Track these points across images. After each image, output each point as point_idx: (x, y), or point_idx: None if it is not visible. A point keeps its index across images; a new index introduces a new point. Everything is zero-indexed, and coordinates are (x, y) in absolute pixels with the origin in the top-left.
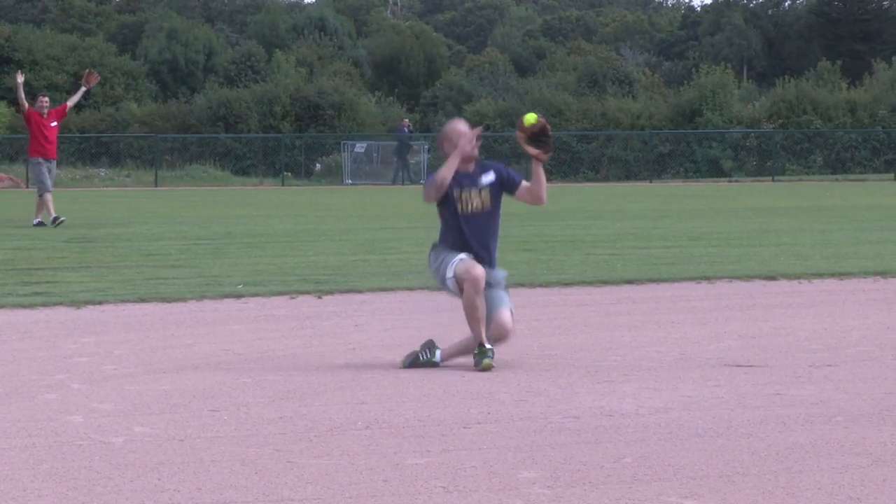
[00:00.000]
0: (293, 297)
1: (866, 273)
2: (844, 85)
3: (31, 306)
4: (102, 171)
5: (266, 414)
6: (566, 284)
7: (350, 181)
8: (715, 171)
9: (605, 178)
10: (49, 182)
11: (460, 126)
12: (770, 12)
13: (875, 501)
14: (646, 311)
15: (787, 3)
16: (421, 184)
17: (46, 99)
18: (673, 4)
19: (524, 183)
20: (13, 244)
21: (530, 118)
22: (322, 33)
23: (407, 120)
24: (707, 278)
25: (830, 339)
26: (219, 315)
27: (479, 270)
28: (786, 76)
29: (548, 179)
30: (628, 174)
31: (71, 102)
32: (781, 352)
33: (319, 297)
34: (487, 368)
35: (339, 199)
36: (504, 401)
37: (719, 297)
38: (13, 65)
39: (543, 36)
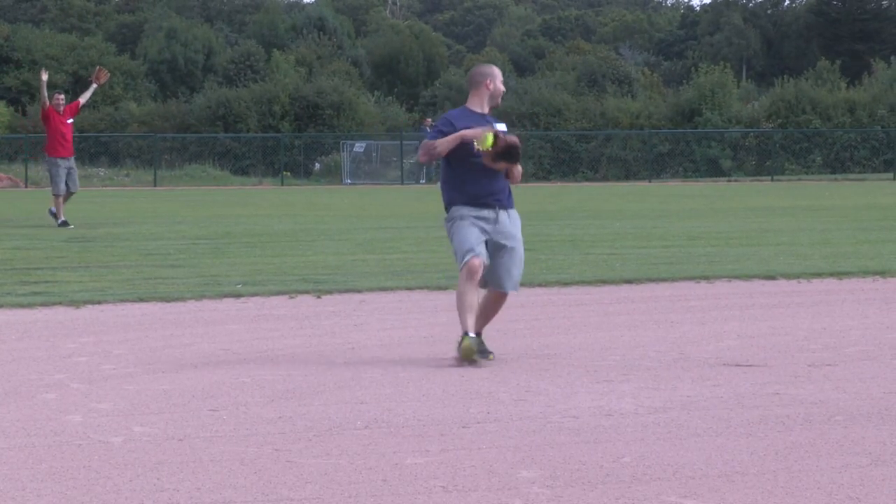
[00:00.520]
0: (292, 297)
1: (865, 273)
2: (843, 84)
3: (29, 306)
4: (101, 171)
5: (265, 413)
6: (565, 284)
7: (349, 181)
8: (714, 170)
9: (604, 178)
10: (62, 185)
11: (500, 75)
12: (769, 12)
13: (874, 501)
14: (645, 311)
15: (786, 3)
16: (420, 184)
17: (62, 96)
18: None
19: None
20: (12, 244)
21: (487, 142)
22: (321, 33)
23: (430, 119)
24: (706, 278)
25: (829, 339)
26: (218, 315)
27: (477, 264)
28: (785, 76)
29: (547, 179)
30: (627, 174)
31: (83, 99)
32: (780, 351)
33: (318, 297)
34: (468, 356)
35: (338, 199)
36: (503, 400)
37: (718, 296)
38: (11, 64)
39: (542, 35)
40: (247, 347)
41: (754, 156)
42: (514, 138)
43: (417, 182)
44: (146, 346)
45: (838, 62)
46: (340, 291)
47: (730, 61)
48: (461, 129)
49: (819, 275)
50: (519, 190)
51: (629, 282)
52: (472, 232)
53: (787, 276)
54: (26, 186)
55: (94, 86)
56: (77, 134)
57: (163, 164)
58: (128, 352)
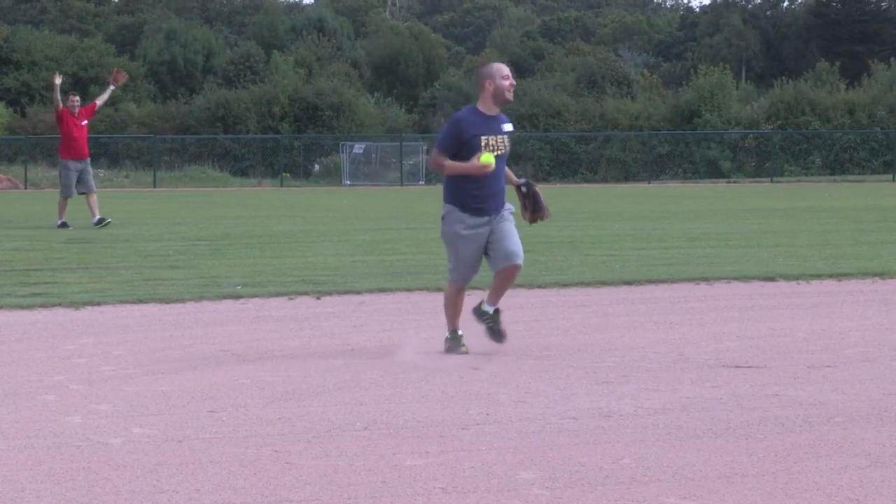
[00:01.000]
0: (292, 298)
1: (865, 274)
2: (843, 86)
3: (29, 307)
4: (101, 172)
5: (264, 415)
6: (564, 285)
7: (349, 182)
8: (713, 172)
9: (604, 180)
10: (72, 188)
11: (505, 69)
12: (768, 13)
13: (874, 502)
14: (644, 312)
15: (785, 4)
16: (420, 185)
17: (77, 98)
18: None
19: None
20: (11, 245)
21: (486, 159)
22: (321, 34)
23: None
24: (705, 279)
25: (829, 340)
26: (217, 316)
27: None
28: (784, 77)
29: (546, 180)
30: (626, 175)
31: (100, 101)
32: (780, 353)
33: (318, 298)
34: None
35: (337, 200)
36: (503, 402)
37: (717, 298)
38: (11, 66)
39: (542, 37)
40: (246, 349)
41: (754, 157)
42: (537, 207)
43: (417, 183)
44: (146, 348)
45: (837, 63)
46: (340, 293)
47: (729, 62)
48: (469, 137)
49: (818, 276)
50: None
51: (628, 283)
52: (470, 252)
53: (787, 278)
54: (26, 188)
55: (112, 87)
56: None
57: (162, 165)
58: (127, 353)
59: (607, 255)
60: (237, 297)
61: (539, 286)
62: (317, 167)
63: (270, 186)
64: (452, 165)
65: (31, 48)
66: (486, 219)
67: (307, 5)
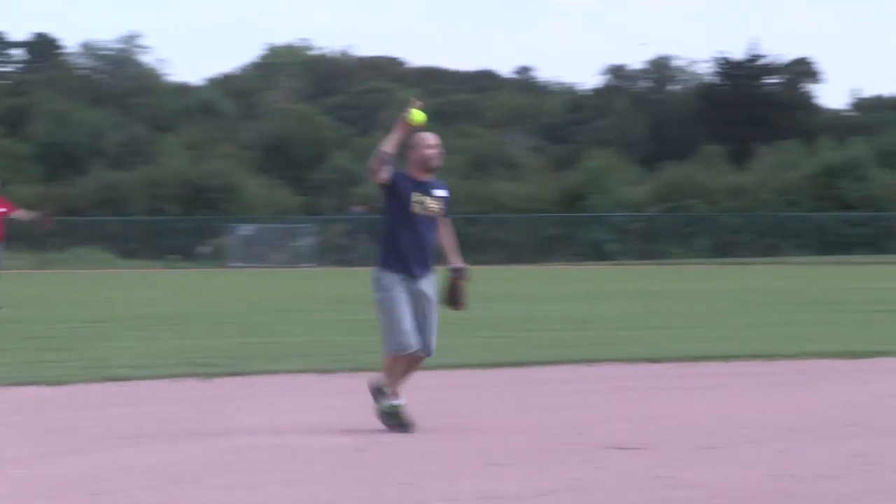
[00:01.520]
0: (178, 381)
1: (750, 356)
2: (730, 169)
3: None
4: None
5: (148, 498)
6: (452, 367)
7: (236, 264)
8: (600, 254)
9: (492, 261)
10: None
11: (430, 139)
12: (656, 97)
13: None
14: (531, 394)
15: (673, 88)
16: (308, 267)
17: None
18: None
19: (445, 221)
20: None
21: (416, 116)
22: (210, 116)
23: (359, 206)
24: (593, 361)
25: (714, 422)
26: (103, 398)
27: (416, 355)
28: (671, 160)
29: (437, 262)
30: (515, 257)
31: (15, 213)
32: (666, 434)
33: (205, 380)
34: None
35: (225, 282)
36: (388, 483)
37: (605, 379)
38: None
39: (431, 119)
40: (131, 431)
41: (640, 239)
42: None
43: (305, 265)
44: (32, 430)
45: (724, 147)
46: (226, 375)
47: (616, 145)
48: (402, 189)
49: (704, 358)
50: None
51: (516, 365)
52: (407, 315)
53: (673, 360)
54: None
55: (33, 220)
56: None
57: (50, 246)
58: (14, 435)
59: (495, 337)
60: (123, 379)
61: (425, 368)
62: (204, 249)
63: (158, 268)
64: (388, 138)
65: None
66: (415, 280)
67: (196, 87)
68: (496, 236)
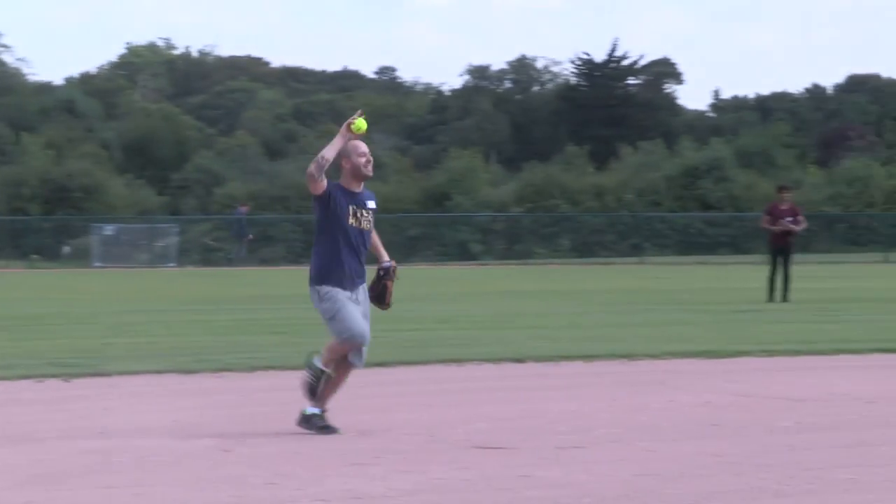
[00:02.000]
0: (40, 381)
1: (613, 355)
2: (591, 169)
3: None
4: None
5: (14, 498)
6: None
7: (99, 264)
8: (464, 254)
9: None
10: None
11: (361, 147)
12: (518, 97)
13: None
14: (396, 394)
15: (534, 89)
16: (171, 267)
17: None
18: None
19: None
20: None
21: (359, 125)
22: (71, 115)
23: (244, 206)
24: (457, 361)
25: (578, 422)
26: None
27: (364, 341)
28: (534, 160)
29: (297, 262)
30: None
31: None
32: (530, 434)
33: (67, 381)
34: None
35: (87, 282)
36: (254, 484)
37: (469, 379)
38: None
39: (294, 119)
40: None
41: (504, 240)
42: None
43: (168, 265)
44: None
45: (586, 147)
46: (89, 375)
47: (479, 146)
48: (338, 202)
49: (568, 358)
50: (270, 274)
51: (380, 365)
52: (356, 313)
53: (537, 359)
54: None
55: None
56: None
57: None
58: None
59: None
60: None
61: (290, 368)
62: (67, 249)
63: (19, 268)
64: (330, 145)
65: None
66: (354, 292)
67: (57, 87)
68: None
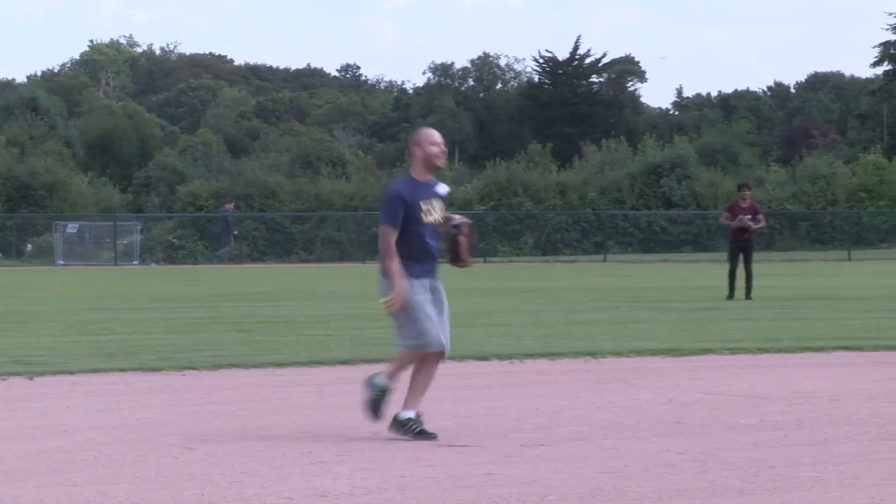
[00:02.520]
0: (3, 379)
1: (577, 353)
2: (555, 167)
3: None
4: None
5: None
6: (280, 365)
7: (62, 262)
8: None
9: (319, 259)
10: None
11: (435, 136)
12: (481, 95)
13: None
14: (359, 392)
15: (497, 86)
16: (134, 265)
17: None
18: (385, 87)
19: None
20: None
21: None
22: (33, 113)
23: (229, 204)
24: None
25: (542, 419)
26: None
27: (442, 351)
28: (497, 158)
29: (261, 260)
30: (342, 255)
31: None
32: (494, 432)
33: (31, 379)
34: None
35: (51, 280)
36: (218, 482)
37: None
38: None
39: (257, 117)
40: None
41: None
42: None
43: (131, 263)
44: None
45: (550, 145)
46: (53, 373)
47: None
48: (411, 203)
49: (531, 355)
50: (233, 272)
51: (344, 363)
52: (433, 314)
53: (501, 357)
54: None
55: None
56: None
57: None
58: None
59: (323, 335)
60: None
61: (254, 366)
62: (29, 247)
63: None
64: (393, 273)
65: None
66: (429, 281)
67: (19, 84)
68: (323, 234)
